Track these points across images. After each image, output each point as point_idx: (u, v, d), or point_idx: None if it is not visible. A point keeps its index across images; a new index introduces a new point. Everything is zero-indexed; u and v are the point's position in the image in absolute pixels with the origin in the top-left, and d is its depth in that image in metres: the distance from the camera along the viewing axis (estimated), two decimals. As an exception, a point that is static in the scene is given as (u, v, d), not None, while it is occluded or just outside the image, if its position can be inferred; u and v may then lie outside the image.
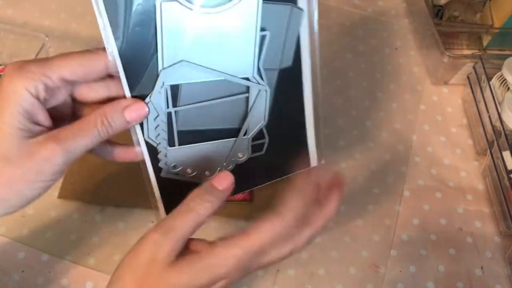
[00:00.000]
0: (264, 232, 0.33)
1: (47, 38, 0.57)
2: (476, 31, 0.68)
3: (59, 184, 0.52)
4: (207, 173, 0.40)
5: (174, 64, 0.34)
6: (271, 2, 0.35)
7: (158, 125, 0.36)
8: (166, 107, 0.36)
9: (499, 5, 0.65)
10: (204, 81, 0.36)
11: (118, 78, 0.33)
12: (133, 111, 0.34)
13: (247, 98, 0.38)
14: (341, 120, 0.61)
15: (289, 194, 0.35)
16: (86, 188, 0.53)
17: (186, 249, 0.33)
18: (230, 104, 0.38)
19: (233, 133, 0.39)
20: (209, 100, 0.37)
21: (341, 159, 0.58)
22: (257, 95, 0.38)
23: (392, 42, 0.70)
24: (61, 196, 0.52)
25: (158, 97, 0.35)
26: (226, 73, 0.36)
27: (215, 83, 0.36)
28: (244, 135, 0.40)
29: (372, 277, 0.49)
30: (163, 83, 0.35)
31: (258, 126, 0.39)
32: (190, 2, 0.32)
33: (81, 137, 0.33)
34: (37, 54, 0.56)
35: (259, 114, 0.39)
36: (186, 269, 0.32)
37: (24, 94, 0.31)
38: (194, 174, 0.39)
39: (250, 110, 0.39)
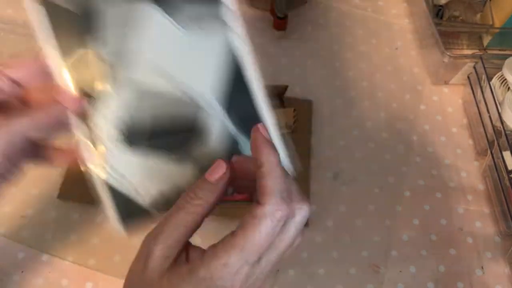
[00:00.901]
0: (252, 230, 0.28)
1: (47, 38, 0.57)
2: (477, 31, 0.68)
3: (59, 184, 0.52)
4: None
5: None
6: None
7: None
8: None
9: (500, 5, 0.65)
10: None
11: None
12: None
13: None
14: (341, 120, 0.61)
15: (262, 181, 0.29)
16: (86, 188, 0.52)
17: (184, 255, 0.30)
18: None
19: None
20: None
21: (341, 159, 0.58)
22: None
23: (392, 42, 0.69)
24: (61, 196, 0.52)
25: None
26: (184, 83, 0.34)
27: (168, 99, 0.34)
28: None
29: (372, 277, 0.49)
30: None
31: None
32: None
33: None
34: (37, 54, 0.56)
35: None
36: (177, 283, 0.28)
37: None
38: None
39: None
